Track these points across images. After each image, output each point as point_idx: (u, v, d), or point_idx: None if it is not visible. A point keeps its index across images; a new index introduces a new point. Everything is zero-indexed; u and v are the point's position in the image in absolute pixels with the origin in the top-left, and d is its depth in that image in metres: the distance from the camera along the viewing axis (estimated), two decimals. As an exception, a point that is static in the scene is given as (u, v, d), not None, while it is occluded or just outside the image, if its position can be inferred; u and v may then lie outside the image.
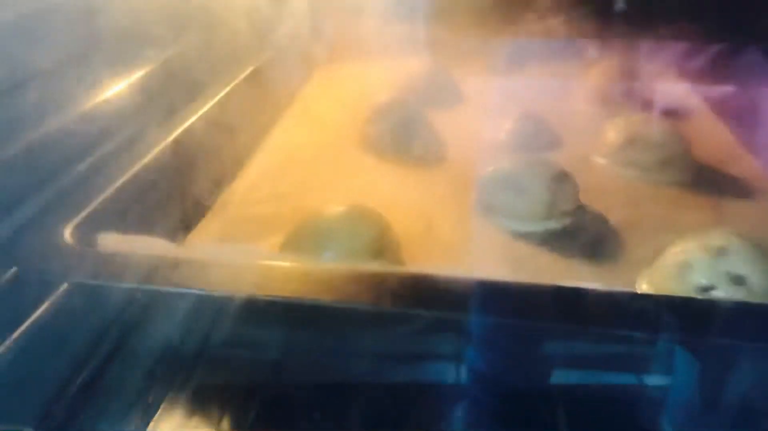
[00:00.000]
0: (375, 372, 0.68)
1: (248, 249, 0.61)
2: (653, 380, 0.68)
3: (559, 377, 0.70)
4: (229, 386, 0.66)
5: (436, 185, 0.88)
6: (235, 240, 0.73)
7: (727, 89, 1.16)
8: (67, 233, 0.57)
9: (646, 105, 1.11)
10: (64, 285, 0.53)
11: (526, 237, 0.76)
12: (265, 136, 1.02)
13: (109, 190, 0.68)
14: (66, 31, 0.75)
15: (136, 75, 0.87)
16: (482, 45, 1.32)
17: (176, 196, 0.79)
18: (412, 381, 0.71)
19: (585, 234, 0.76)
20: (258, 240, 0.72)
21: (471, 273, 0.61)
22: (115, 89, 0.83)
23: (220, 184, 0.86)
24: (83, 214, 0.62)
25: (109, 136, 0.78)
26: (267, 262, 0.57)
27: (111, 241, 0.56)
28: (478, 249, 0.74)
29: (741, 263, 0.60)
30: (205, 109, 0.89)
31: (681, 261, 0.62)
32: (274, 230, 0.73)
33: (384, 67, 1.25)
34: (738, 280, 0.59)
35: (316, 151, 0.96)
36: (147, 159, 0.77)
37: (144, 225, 0.72)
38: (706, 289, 0.60)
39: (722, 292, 0.59)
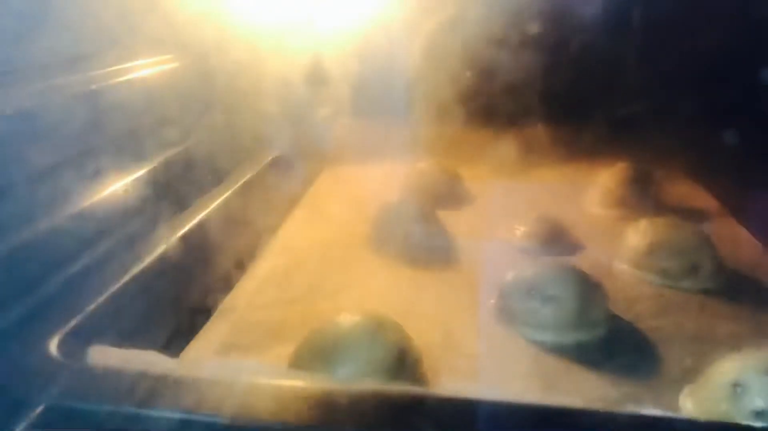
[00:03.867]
0: None
1: (253, 365, 0.55)
2: None
3: None
4: None
5: (452, 290, 0.83)
6: (240, 349, 0.67)
7: (743, 191, 1.13)
8: (53, 345, 0.51)
9: (662, 208, 1.08)
10: (41, 407, 0.46)
11: (554, 349, 0.70)
12: (273, 234, 0.98)
13: (105, 296, 0.63)
14: (70, 125, 0.71)
15: (144, 168, 0.84)
16: (488, 145, 1.32)
17: (179, 299, 0.74)
18: None
19: (618, 346, 0.71)
20: (264, 350, 0.67)
21: (500, 392, 0.55)
22: (119, 184, 0.79)
23: (225, 285, 0.81)
24: (72, 323, 0.56)
25: (107, 235, 0.73)
26: (276, 381, 0.51)
27: (102, 355, 0.50)
28: (504, 363, 0.68)
29: (800, 384, 0.54)
30: (214, 205, 0.86)
31: (733, 382, 0.56)
32: (283, 339, 0.68)
33: (392, 167, 1.24)
34: (799, 404, 0.54)
35: (325, 252, 0.91)
36: (148, 259, 0.72)
37: (143, 332, 0.67)
38: (763, 413, 0.54)
39: (782, 417, 0.53)
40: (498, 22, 1.22)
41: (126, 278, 0.66)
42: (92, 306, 0.60)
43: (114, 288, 0.64)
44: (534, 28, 1.23)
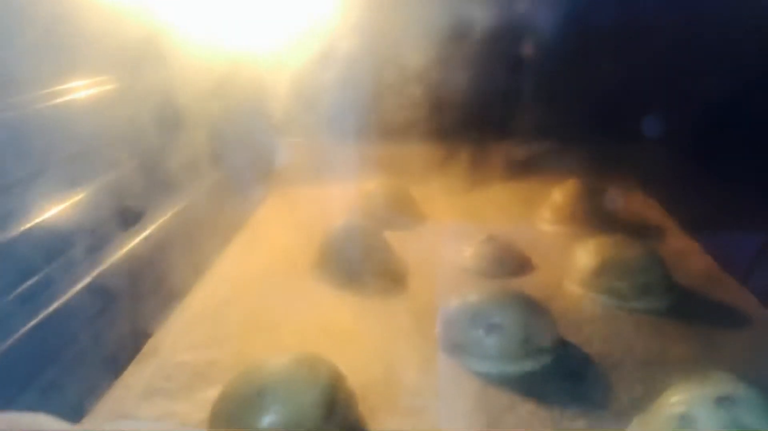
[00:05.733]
0: None
1: (162, 426, 0.50)
2: None
3: None
4: None
5: (397, 319, 0.79)
6: (163, 395, 0.62)
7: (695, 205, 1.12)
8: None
9: (614, 223, 1.06)
10: None
11: (499, 380, 0.67)
12: (209, 264, 0.93)
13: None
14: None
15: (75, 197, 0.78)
16: (439, 163, 1.29)
17: (100, 343, 0.68)
18: None
19: (566, 374, 0.68)
20: (191, 394, 0.62)
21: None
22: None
23: (154, 323, 0.76)
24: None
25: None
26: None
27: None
28: (447, 398, 0.65)
29: (749, 414, 0.52)
30: (144, 235, 0.80)
31: (683, 414, 0.54)
32: (213, 381, 0.63)
33: (341, 188, 1.20)
34: (749, 435, 0.51)
35: (265, 282, 0.87)
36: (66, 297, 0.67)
37: (50, 385, 0.61)
38: (713, 446, 0.51)
39: (732, 449, 0.51)
40: (443, 41, 1.20)
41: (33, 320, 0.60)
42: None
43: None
44: (477, 45, 1.21)
